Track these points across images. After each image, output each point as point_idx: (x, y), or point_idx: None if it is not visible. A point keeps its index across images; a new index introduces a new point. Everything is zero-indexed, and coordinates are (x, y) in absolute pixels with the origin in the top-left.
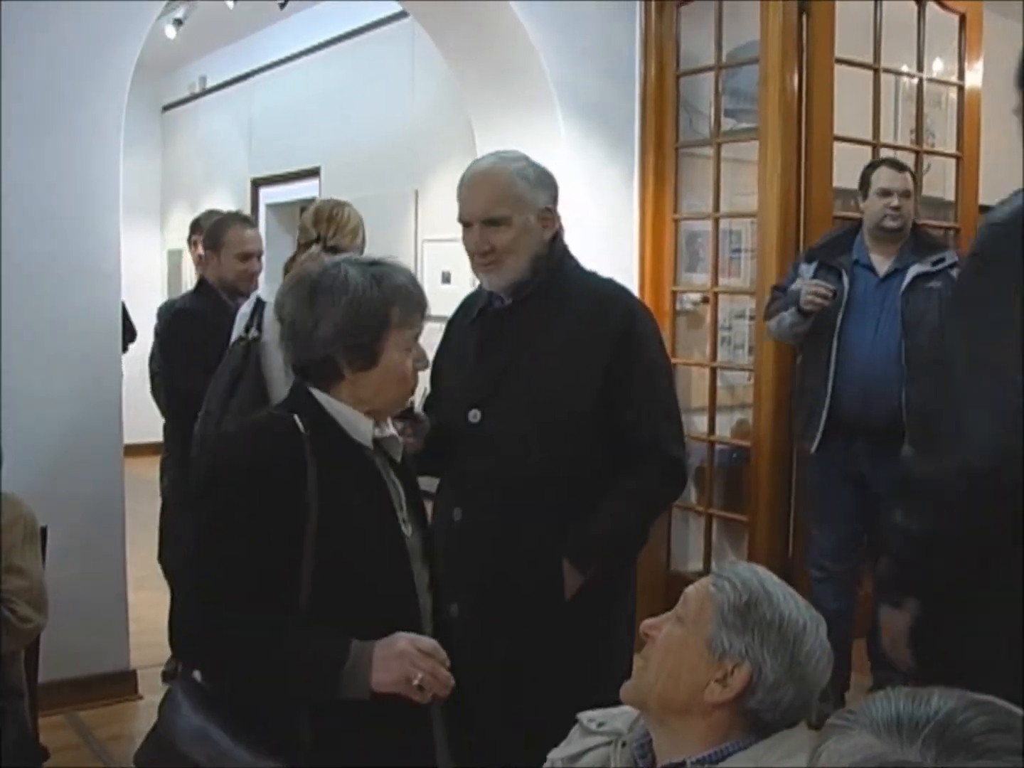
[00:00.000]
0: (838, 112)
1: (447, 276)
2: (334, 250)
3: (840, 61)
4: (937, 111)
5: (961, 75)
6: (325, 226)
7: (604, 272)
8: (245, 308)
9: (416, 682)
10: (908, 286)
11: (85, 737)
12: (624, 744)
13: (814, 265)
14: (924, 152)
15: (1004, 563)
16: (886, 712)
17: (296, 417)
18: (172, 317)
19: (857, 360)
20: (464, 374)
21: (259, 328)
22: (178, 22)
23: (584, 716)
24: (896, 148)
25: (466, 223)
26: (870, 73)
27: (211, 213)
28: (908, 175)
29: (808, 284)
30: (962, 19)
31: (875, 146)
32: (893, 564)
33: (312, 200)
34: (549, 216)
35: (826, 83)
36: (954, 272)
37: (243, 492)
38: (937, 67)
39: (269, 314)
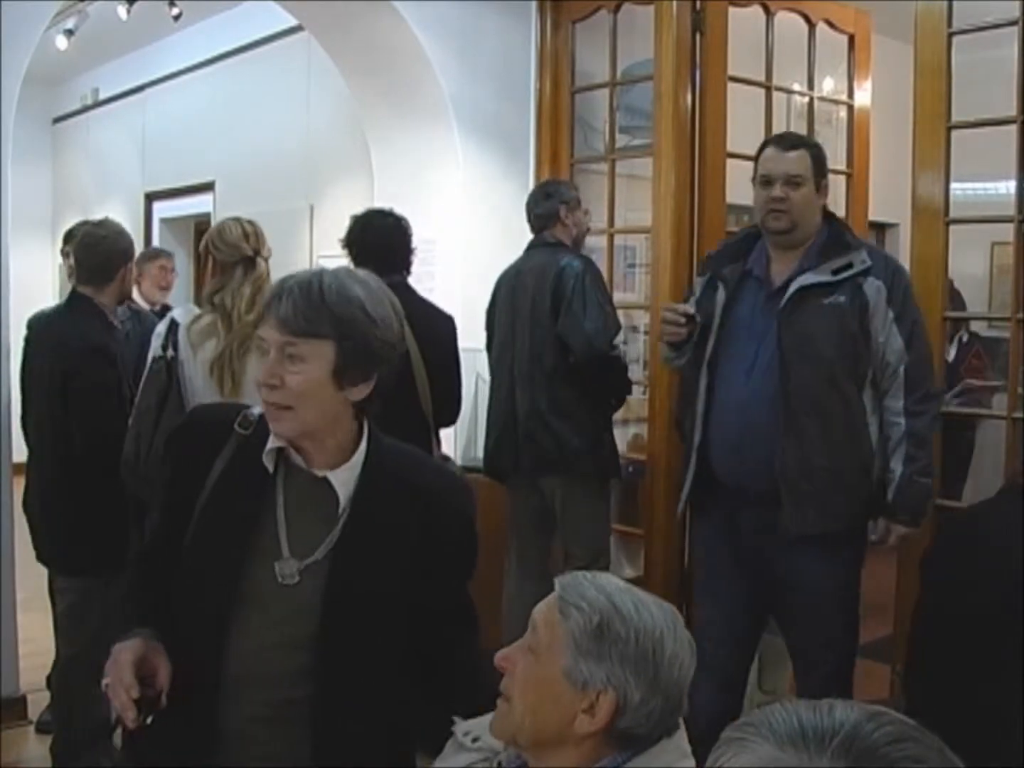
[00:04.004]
0: (731, 129)
1: None
2: (265, 262)
3: (733, 79)
4: (828, 129)
5: (851, 94)
6: (255, 240)
7: None
8: (160, 328)
9: (104, 684)
10: (792, 302)
11: None
12: (499, 764)
13: (706, 277)
14: None
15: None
16: (788, 723)
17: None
18: (89, 353)
19: (730, 401)
20: None
21: (175, 348)
22: (69, 32)
23: (459, 729)
24: None
25: None
26: (762, 91)
27: (85, 224)
28: (803, 153)
29: (662, 308)
30: (851, 40)
31: None
32: None
33: (207, 215)
34: None
35: (719, 100)
36: (868, 282)
37: (168, 451)
38: (828, 86)
39: (183, 334)
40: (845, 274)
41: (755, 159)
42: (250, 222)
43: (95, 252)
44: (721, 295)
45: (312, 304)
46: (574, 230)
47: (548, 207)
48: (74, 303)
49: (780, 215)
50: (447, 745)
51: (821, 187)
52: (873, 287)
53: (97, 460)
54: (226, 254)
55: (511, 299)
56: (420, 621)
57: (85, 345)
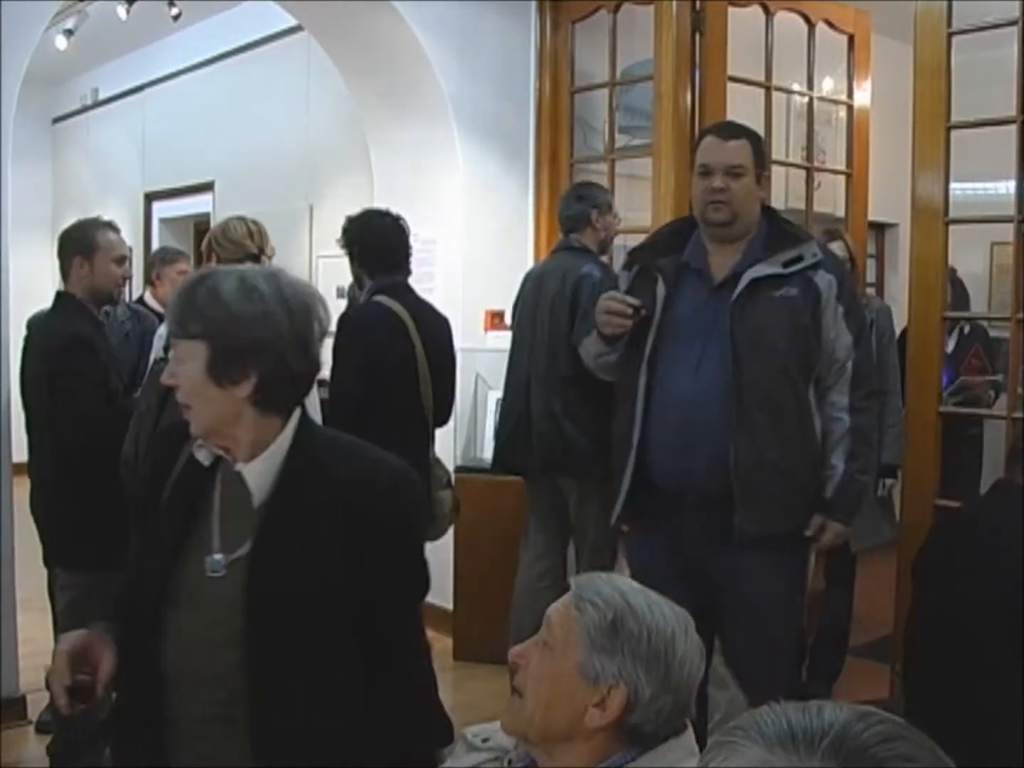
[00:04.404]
0: None
1: (342, 291)
2: (269, 261)
3: (732, 79)
4: (828, 129)
5: (850, 94)
6: (259, 239)
7: (499, 284)
8: (162, 329)
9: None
10: (743, 295)
11: None
12: (510, 762)
13: (634, 271)
14: (815, 169)
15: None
16: (777, 726)
17: None
18: (73, 348)
19: (674, 400)
20: None
21: None
22: (68, 32)
23: (469, 731)
24: (787, 165)
25: None
26: (762, 91)
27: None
28: (743, 143)
29: (603, 298)
30: (851, 40)
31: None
32: None
33: (207, 215)
34: None
35: (719, 100)
36: (819, 275)
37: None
38: (827, 86)
39: None
40: (796, 267)
41: (694, 148)
42: (254, 221)
43: (58, 246)
44: (661, 288)
45: (184, 307)
46: (603, 233)
47: (579, 210)
48: (58, 301)
49: (720, 206)
50: (457, 746)
51: (762, 179)
52: (825, 280)
53: (90, 455)
54: (230, 252)
55: (533, 299)
56: (358, 626)
57: (64, 334)
